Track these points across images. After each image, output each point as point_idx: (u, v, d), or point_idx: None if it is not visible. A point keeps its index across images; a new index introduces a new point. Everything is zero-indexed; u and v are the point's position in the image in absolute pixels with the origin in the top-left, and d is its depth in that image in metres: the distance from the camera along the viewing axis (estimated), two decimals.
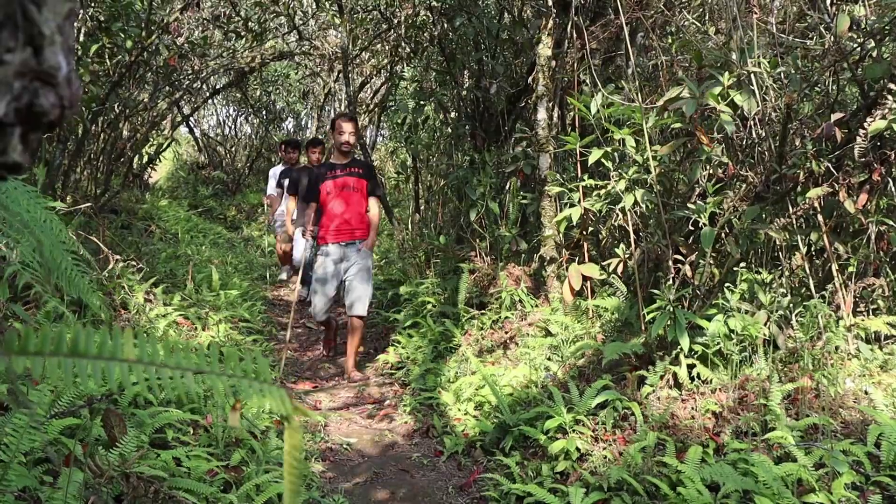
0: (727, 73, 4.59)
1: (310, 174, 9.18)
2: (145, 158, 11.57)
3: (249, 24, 9.78)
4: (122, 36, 7.68)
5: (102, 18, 7.52)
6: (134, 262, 6.68)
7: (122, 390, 3.79)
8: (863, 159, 4.50)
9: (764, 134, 4.88)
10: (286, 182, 10.12)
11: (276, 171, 11.16)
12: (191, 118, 17.90)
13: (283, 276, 11.38)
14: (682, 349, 4.53)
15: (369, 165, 7.24)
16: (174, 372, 0.74)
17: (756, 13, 5.01)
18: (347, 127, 6.74)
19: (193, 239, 11.87)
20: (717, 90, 4.56)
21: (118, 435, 3.18)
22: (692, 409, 4.38)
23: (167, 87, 10.45)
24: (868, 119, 4.32)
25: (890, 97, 4.32)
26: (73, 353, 0.66)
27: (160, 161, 14.13)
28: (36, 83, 0.53)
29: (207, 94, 16.29)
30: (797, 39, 5.22)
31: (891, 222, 4.73)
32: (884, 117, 4.27)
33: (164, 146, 11.89)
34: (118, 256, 6.28)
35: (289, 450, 0.80)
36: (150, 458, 3.30)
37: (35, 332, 0.70)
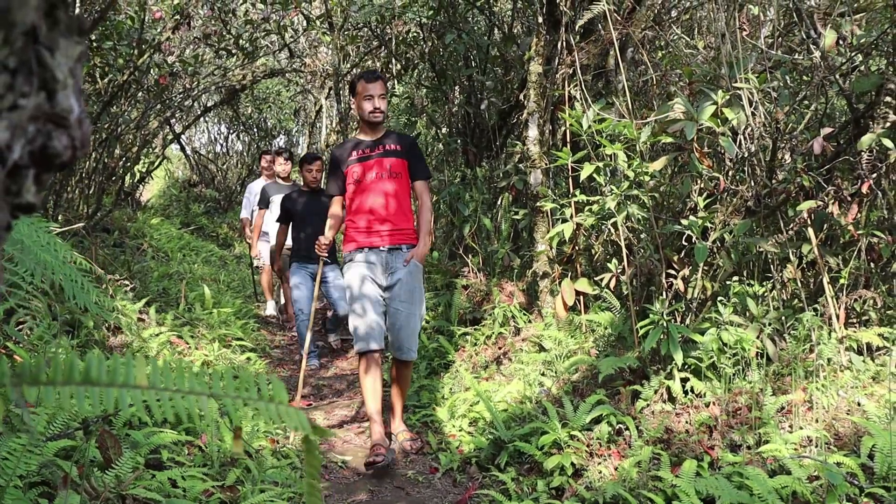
0: (721, 91, 4.63)
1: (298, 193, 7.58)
2: (137, 177, 11.57)
3: (241, 42, 9.82)
4: (114, 55, 7.70)
5: (93, 38, 7.54)
6: (127, 282, 6.68)
7: (118, 411, 3.79)
8: (853, 172, 4.55)
9: (754, 148, 4.92)
10: (272, 200, 8.82)
11: (255, 187, 9.89)
12: (182, 136, 17.91)
13: (271, 310, 10.05)
14: (675, 363, 4.54)
15: (409, 139, 5.22)
16: (188, 396, 0.75)
17: (745, 29, 5.06)
18: (375, 88, 4.88)
19: (185, 257, 11.87)
20: (711, 109, 4.60)
21: (114, 456, 3.18)
22: (686, 422, 4.39)
23: (158, 106, 10.46)
24: (867, 134, 4.36)
25: (889, 110, 4.37)
26: (86, 381, 0.67)
27: (152, 179, 14.14)
28: (49, 126, 0.55)
29: (199, 112, 16.32)
30: (785, 55, 5.27)
31: (881, 234, 4.77)
32: (873, 130, 4.31)
33: (156, 164, 11.89)
34: (111, 276, 6.29)
35: (308, 469, 0.82)
36: (146, 479, 3.30)
37: (42, 359, 0.71)
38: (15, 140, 0.52)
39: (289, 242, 8.34)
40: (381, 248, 4.87)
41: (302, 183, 7.80)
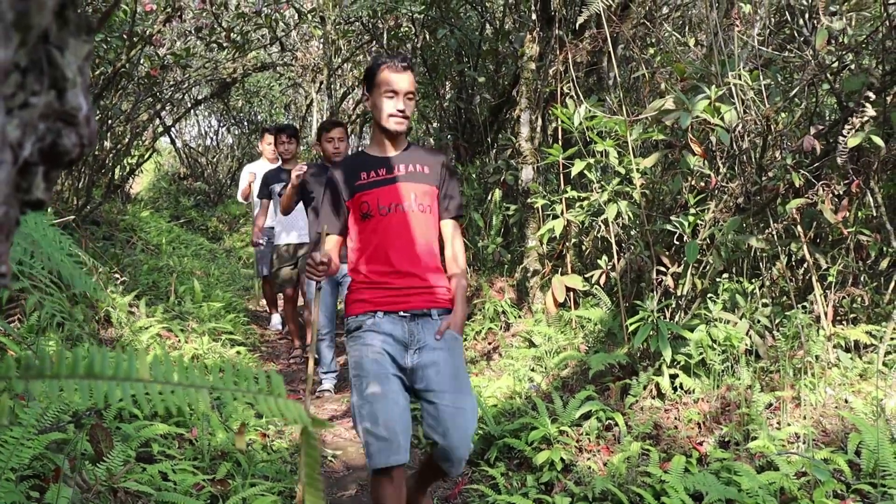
0: (714, 86, 4.65)
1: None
2: (127, 169, 11.53)
3: (232, 35, 9.79)
4: (105, 47, 7.67)
5: (95, 18, 7.49)
6: (117, 275, 6.67)
7: (109, 405, 3.79)
8: (842, 170, 4.58)
9: (745, 146, 4.94)
10: (277, 189, 7.24)
11: (254, 168, 8.48)
12: (172, 129, 17.85)
13: (276, 324, 8.76)
14: (664, 359, 4.57)
15: (442, 157, 3.55)
16: (188, 390, 0.76)
17: (738, 26, 5.08)
18: (402, 81, 3.29)
19: (175, 250, 11.84)
20: (705, 102, 4.62)
21: (105, 449, 3.18)
22: (675, 418, 4.42)
23: (149, 98, 10.42)
24: (847, 128, 4.38)
25: (869, 105, 4.39)
26: (90, 375, 0.68)
27: (141, 172, 14.10)
28: (59, 124, 0.56)
29: (189, 105, 16.28)
30: (776, 52, 5.29)
31: (869, 233, 4.80)
32: (861, 128, 4.34)
33: (146, 157, 11.85)
34: (101, 268, 6.27)
35: (308, 461, 0.83)
36: (137, 472, 3.30)
37: (46, 354, 0.72)
38: (26, 138, 0.53)
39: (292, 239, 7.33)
40: (403, 314, 3.22)
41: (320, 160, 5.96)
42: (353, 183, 3.36)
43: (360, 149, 3.75)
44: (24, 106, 0.53)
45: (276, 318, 8.80)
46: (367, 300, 3.26)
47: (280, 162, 7.58)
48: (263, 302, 9.49)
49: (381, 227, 3.29)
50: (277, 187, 7.25)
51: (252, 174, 8.41)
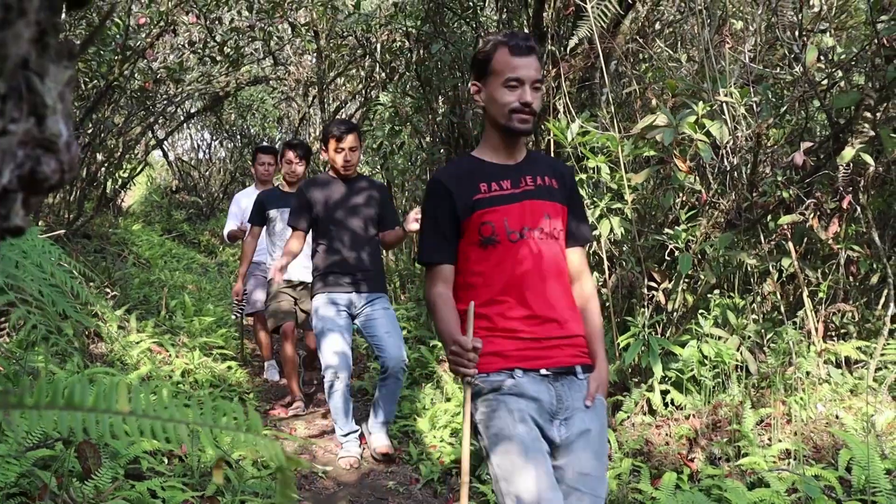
0: (701, 102, 4.67)
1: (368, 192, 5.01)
2: (119, 183, 11.52)
3: (225, 49, 9.81)
4: (98, 60, 7.68)
5: (77, 43, 7.50)
6: (108, 289, 6.65)
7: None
8: (832, 186, 4.60)
9: (735, 162, 4.96)
10: (270, 214, 6.14)
11: (244, 198, 6.96)
12: (165, 142, 17.85)
13: (273, 374, 6.99)
14: (655, 375, 4.57)
15: (566, 168, 2.79)
16: (167, 424, 0.76)
17: (728, 43, 5.11)
18: (528, 67, 2.49)
19: (167, 264, 11.82)
20: (692, 119, 4.63)
21: (93, 467, 3.16)
22: (666, 435, 4.41)
23: (142, 112, 10.43)
24: (847, 148, 4.41)
25: (867, 125, 4.42)
26: (69, 406, 0.67)
27: (133, 185, 14.08)
28: (38, 150, 0.56)
29: (182, 119, 16.28)
30: (767, 69, 5.32)
31: (859, 248, 4.82)
32: (851, 145, 4.37)
33: (138, 170, 11.85)
34: (92, 282, 6.25)
35: (281, 500, 0.83)
36: (125, 489, 3.28)
37: (26, 380, 0.71)
38: (4, 165, 0.53)
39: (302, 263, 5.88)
40: (545, 372, 2.41)
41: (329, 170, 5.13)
42: (471, 196, 2.54)
43: (466, 153, 2.95)
44: (3, 133, 0.53)
45: (272, 367, 7.03)
46: (500, 353, 2.43)
47: (282, 183, 6.46)
48: (267, 370, 7.17)
49: (510, 258, 2.49)
50: (278, 213, 6.12)
51: (242, 210, 6.91)
